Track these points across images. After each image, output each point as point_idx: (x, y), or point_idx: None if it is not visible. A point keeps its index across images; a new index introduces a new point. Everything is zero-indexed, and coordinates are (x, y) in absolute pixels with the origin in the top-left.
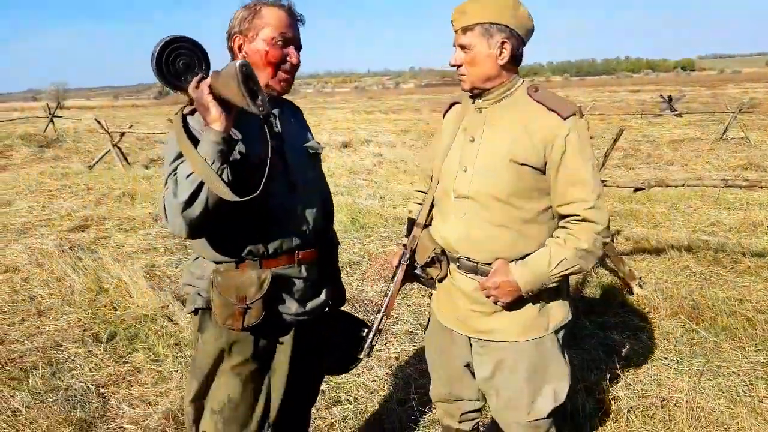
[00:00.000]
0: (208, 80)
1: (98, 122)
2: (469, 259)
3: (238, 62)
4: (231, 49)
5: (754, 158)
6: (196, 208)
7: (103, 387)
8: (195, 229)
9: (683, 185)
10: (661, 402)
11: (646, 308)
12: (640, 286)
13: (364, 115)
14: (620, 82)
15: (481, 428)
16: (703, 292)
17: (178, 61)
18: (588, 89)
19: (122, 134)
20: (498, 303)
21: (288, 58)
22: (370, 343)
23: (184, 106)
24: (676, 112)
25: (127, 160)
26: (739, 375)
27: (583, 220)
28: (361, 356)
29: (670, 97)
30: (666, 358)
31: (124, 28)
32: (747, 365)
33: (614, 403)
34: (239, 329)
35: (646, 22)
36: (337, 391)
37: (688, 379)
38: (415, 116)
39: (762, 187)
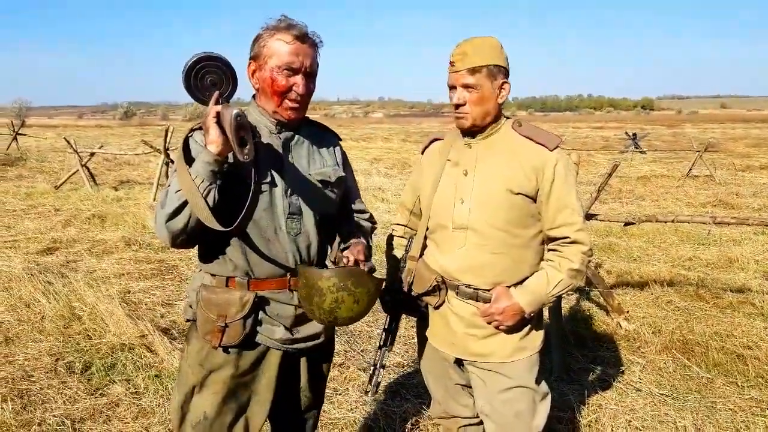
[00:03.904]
0: (218, 107)
1: (67, 141)
2: (469, 286)
3: (234, 112)
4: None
5: (722, 195)
6: (179, 222)
7: (78, 422)
8: (177, 240)
9: (673, 221)
10: None
11: (636, 342)
12: (627, 321)
13: None
14: (583, 119)
15: None
16: (690, 327)
17: (207, 78)
18: (553, 125)
19: (92, 154)
20: (500, 327)
21: (294, 88)
22: (376, 380)
23: (198, 123)
24: (641, 149)
25: (95, 181)
26: (736, 412)
27: (573, 242)
28: (369, 395)
29: (634, 134)
30: (662, 394)
31: (88, 47)
32: (742, 402)
33: None
34: (215, 347)
35: (607, 62)
36: (330, 427)
37: (689, 416)
38: (386, 145)
39: (750, 224)
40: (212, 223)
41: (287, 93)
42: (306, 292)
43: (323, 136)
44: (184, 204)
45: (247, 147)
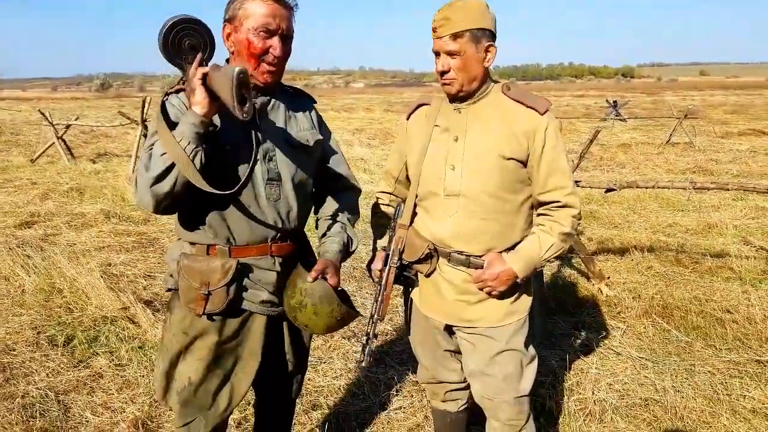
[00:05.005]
0: (205, 69)
1: (42, 113)
2: (461, 253)
3: (237, 68)
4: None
5: (701, 162)
6: (165, 185)
7: (62, 393)
8: (161, 205)
9: (653, 186)
10: (644, 402)
11: (617, 308)
12: (608, 286)
13: None
14: (564, 87)
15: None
16: (669, 292)
17: (185, 41)
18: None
19: (68, 126)
20: (493, 293)
21: (270, 50)
22: (369, 350)
23: (172, 87)
24: (622, 117)
25: (72, 154)
26: (714, 374)
27: (563, 205)
28: (363, 365)
29: (615, 102)
30: (642, 358)
31: (61, 16)
32: (720, 364)
33: (598, 404)
34: (200, 314)
35: (587, 29)
36: (315, 394)
37: (668, 378)
38: (368, 115)
39: (728, 189)
40: (204, 186)
41: (264, 56)
42: (297, 297)
43: (298, 100)
44: (171, 167)
45: (247, 105)
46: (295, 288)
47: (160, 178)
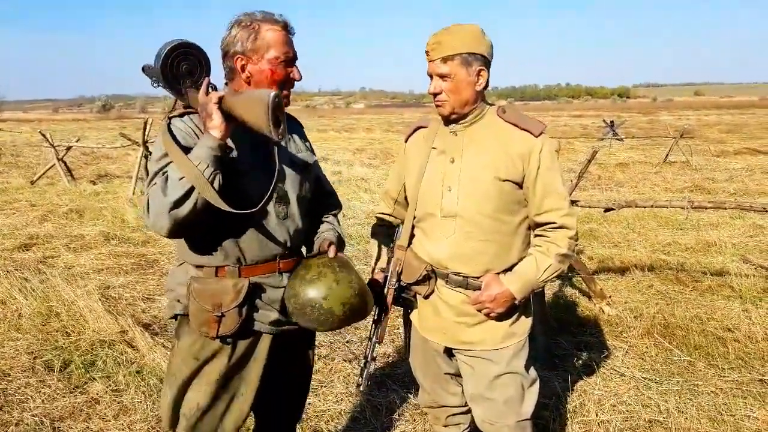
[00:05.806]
0: (221, 93)
1: (43, 135)
2: (458, 274)
3: (272, 93)
4: (231, 68)
5: (698, 180)
6: (185, 209)
7: (58, 420)
8: (177, 229)
9: (652, 206)
10: (648, 423)
11: (618, 327)
12: (610, 306)
13: (318, 134)
14: (562, 107)
15: None
16: (670, 310)
17: (182, 65)
18: (532, 114)
19: (68, 148)
20: (491, 315)
21: (291, 76)
22: (367, 373)
23: (170, 111)
24: (619, 137)
25: (72, 176)
26: (717, 394)
27: (560, 227)
28: (361, 389)
29: (612, 122)
30: (645, 378)
31: (63, 38)
32: (723, 384)
33: (602, 426)
34: (213, 337)
35: (583, 50)
36: (316, 420)
37: (672, 399)
38: (368, 135)
39: (726, 208)
40: (226, 207)
41: (286, 83)
42: (314, 270)
43: (291, 124)
44: (190, 191)
45: (281, 127)
46: (310, 265)
47: (179, 203)
